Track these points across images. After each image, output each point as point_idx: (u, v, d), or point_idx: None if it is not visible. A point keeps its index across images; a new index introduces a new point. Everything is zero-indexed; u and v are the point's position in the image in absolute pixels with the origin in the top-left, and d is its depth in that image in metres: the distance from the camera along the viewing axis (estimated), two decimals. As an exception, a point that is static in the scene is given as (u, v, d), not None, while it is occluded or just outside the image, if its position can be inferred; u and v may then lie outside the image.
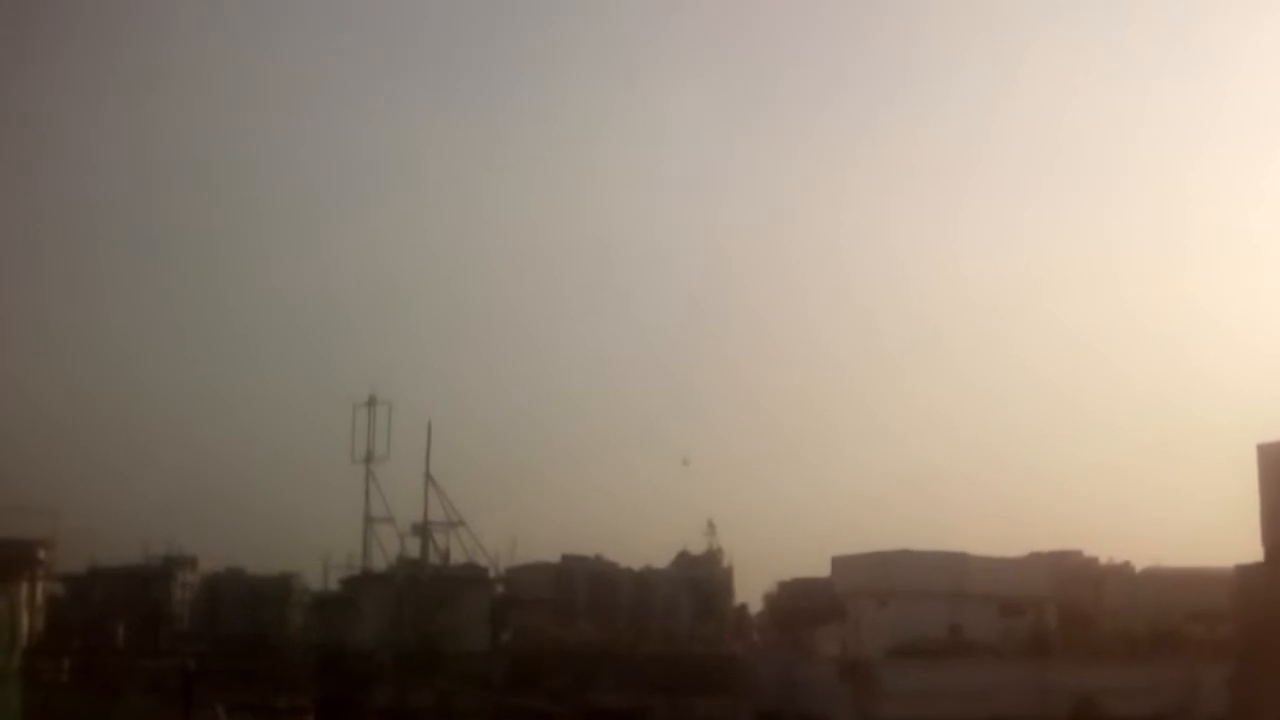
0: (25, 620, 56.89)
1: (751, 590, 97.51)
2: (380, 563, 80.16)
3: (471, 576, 79.67)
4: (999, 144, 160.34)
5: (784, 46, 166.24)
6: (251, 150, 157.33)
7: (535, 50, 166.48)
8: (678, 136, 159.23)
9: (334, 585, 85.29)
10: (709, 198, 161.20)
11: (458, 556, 79.43)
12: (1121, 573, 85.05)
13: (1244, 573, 41.68)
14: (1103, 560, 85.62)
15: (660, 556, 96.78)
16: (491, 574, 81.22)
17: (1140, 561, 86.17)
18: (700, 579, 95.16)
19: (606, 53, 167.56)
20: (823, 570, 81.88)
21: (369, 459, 79.34)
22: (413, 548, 79.23)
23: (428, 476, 78.19)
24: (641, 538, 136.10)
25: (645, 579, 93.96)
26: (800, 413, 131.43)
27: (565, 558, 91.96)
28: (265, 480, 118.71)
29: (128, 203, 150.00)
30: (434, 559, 78.97)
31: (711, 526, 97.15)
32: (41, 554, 79.05)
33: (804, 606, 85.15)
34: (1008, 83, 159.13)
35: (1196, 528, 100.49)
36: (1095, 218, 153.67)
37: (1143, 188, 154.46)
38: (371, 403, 79.95)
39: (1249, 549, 46.40)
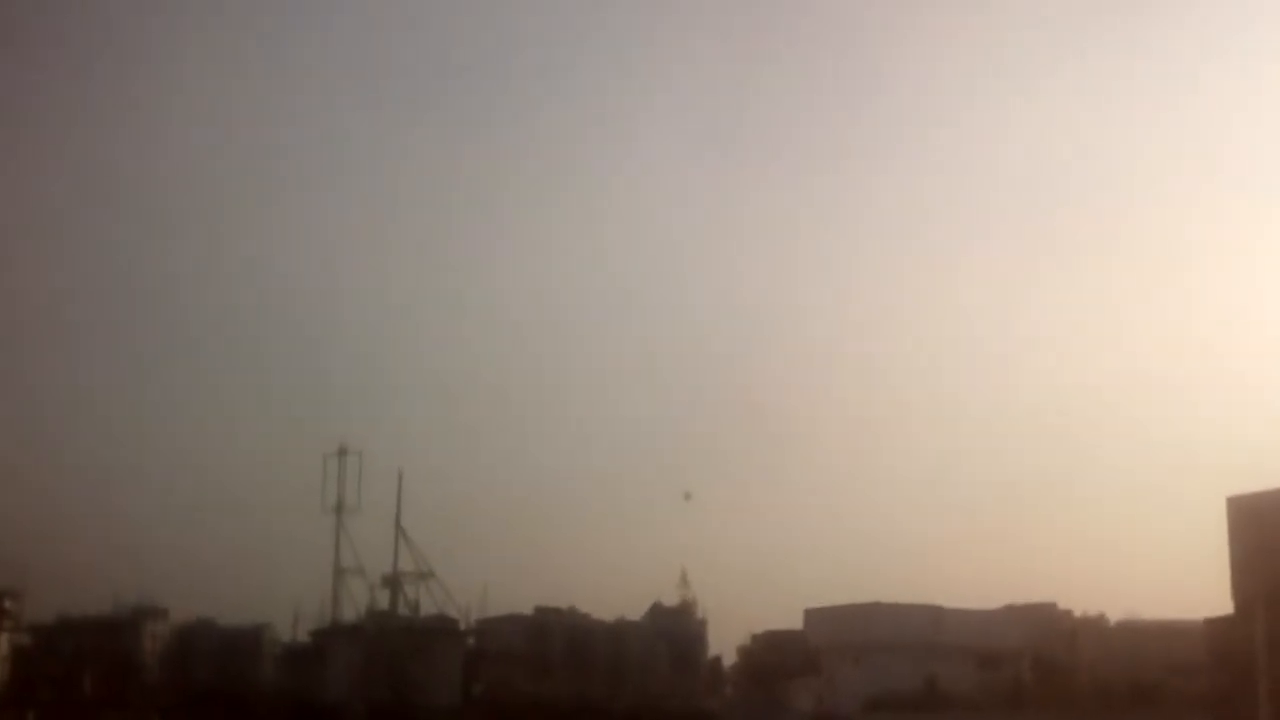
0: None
1: (726, 642, 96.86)
2: (350, 614, 79.66)
3: (442, 628, 79.12)
4: (976, 199, 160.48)
5: (776, 71, 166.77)
6: (228, 187, 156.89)
7: (509, 93, 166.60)
8: (650, 177, 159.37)
9: (304, 636, 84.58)
10: (684, 248, 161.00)
11: (428, 608, 78.96)
12: (1096, 625, 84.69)
13: (1214, 625, 41.42)
14: (1077, 613, 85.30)
15: (634, 609, 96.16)
16: (463, 626, 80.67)
17: (1115, 614, 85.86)
18: (674, 631, 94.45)
19: (581, 82, 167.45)
20: (796, 622, 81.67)
21: (339, 509, 78.92)
22: (383, 599, 78.72)
23: (398, 527, 77.86)
24: (615, 589, 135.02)
25: (619, 631, 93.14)
26: (774, 465, 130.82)
27: (538, 609, 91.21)
28: (236, 530, 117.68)
29: (97, 242, 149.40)
30: (404, 610, 78.43)
31: (685, 578, 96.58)
32: (8, 604, 78.81)
33: (778, 660, 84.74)
34: (1001, 122, 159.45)
35: (1171, 580, 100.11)
36: (1068, 280, 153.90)
37: (1120, 247, 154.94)
38: (342, 452, 79.56)
39: (1222, 601, 46.20)
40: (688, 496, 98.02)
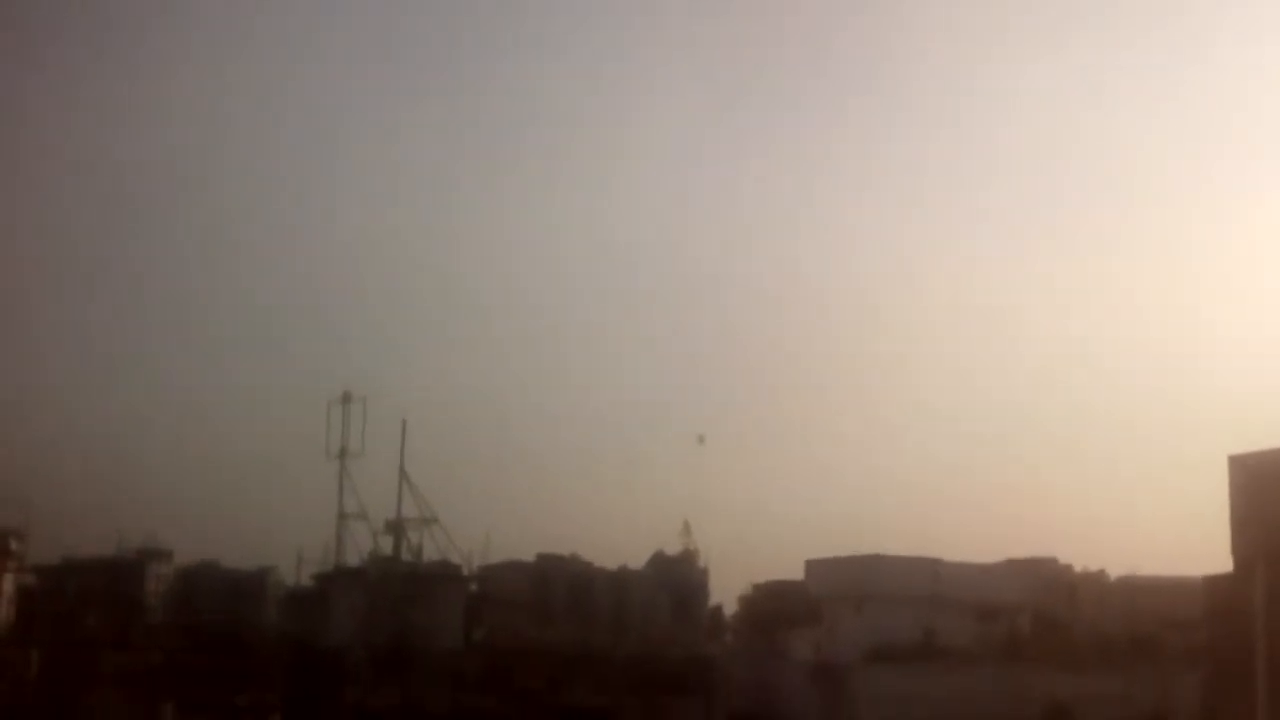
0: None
1: (727, 592, 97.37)
2: (354, 559, 79.98)
3: (445, 574, 79.48)
4: (985, 153, 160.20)
5: (776, 49, 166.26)
6: (229, 146, 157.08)
7: (516, 52, 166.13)
8: (657, 136, 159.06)
9: (307, 580, 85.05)
10: (685, 201, 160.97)
11: (431, 554, 79.26)
12: (1096, 580, 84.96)
13: (1213, 583, 41.54)
14: (1077, 568, 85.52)
15: (636, 557, 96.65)
16: (465, 572, 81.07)
17: (1115, 570, 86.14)
18: (676, 580, 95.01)
19: (584, 55, 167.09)
20: (798, 573, 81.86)
21: (343, 455, 79.12)
22: (386, 545, 79.08)
23: (402, 473, 78.08)
24: (617, 538, 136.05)
25: (621, 579, 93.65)
26: (776, 415, 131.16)
27: (540, 557, 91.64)
28: (240, 474, 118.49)
29: (105, 200, 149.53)
30: (407, 556, 78.74)
31: (687, 527, 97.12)
32: (13, 545, 79.10)
33: (779, 609, 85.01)
34: (1005, 89, 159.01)
35: (1172, 537, 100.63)
36: (1070, 229, 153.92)
37: (1125, 199, 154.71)
38: (346, 399, 79.69)
39: (1222, 558, 46.38)
40: (701, 440, 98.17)
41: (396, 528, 78.41)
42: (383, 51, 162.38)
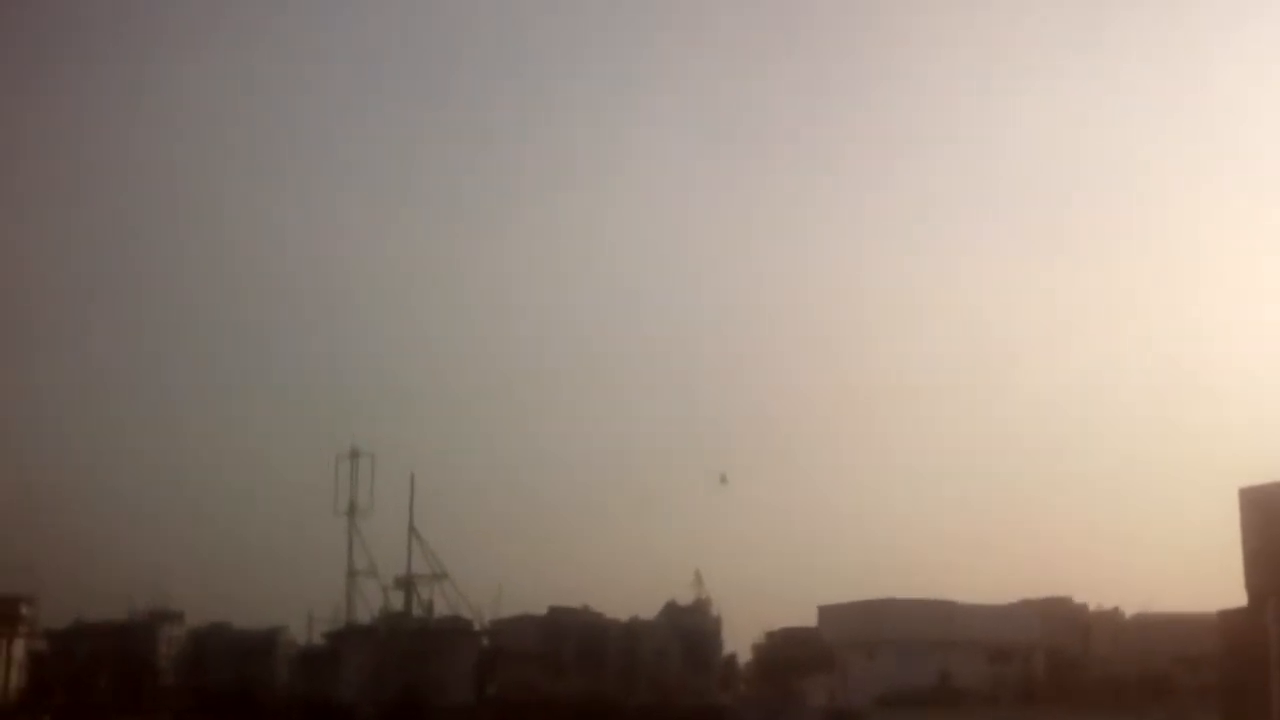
0: (6, 677, 56.60)
1: (740, 640, 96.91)
2: (364, 616, 79.67)
3: (456, 629, 79.16)
4: (993, 181, 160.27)
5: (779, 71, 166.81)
6: (239, 195, 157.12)
7: (520, 92, 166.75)
8: (662, 175, 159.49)
9: (319, 639, 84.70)
10: (691, 245, 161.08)
11: (442, 609, 79.00)
12: (1110, 619, 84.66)
13: (1227, 618, 41.36)
14: (1091, 607, 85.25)
15: (648, 607, 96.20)
16: (476, 626, 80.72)
17: (1129, 608, 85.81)
18: (688, 630, 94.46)
19: (587, 91, 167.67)
20: (810, 620, 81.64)
21: (352, 511, 78.92)
22: (397, 601, 78.77)
23: (411, 529, 77.86)
24: (629, 589, 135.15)
25: (633, 630, 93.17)
26: (786, 463, 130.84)
27: (552, 609, 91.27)
28: (250, 533, 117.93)
29: (108, 245, 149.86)
30: (418, 611, 78.48)
31: (699, 577, 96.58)
32: (24, 610, 79.04)
33: (792, 656, 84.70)
34: (1007, 118, 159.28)
35: (1185, 573, 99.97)
36: (1079, 275, 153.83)
37: (1134, 230, 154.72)
38: (354, 455, 79.60)
39: (1236, 594, 46.18)
40: (724, 479, 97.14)
41: (407, 584, 78.18)
42: (390, 94, 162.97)
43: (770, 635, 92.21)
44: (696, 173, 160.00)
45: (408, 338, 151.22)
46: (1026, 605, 79.61)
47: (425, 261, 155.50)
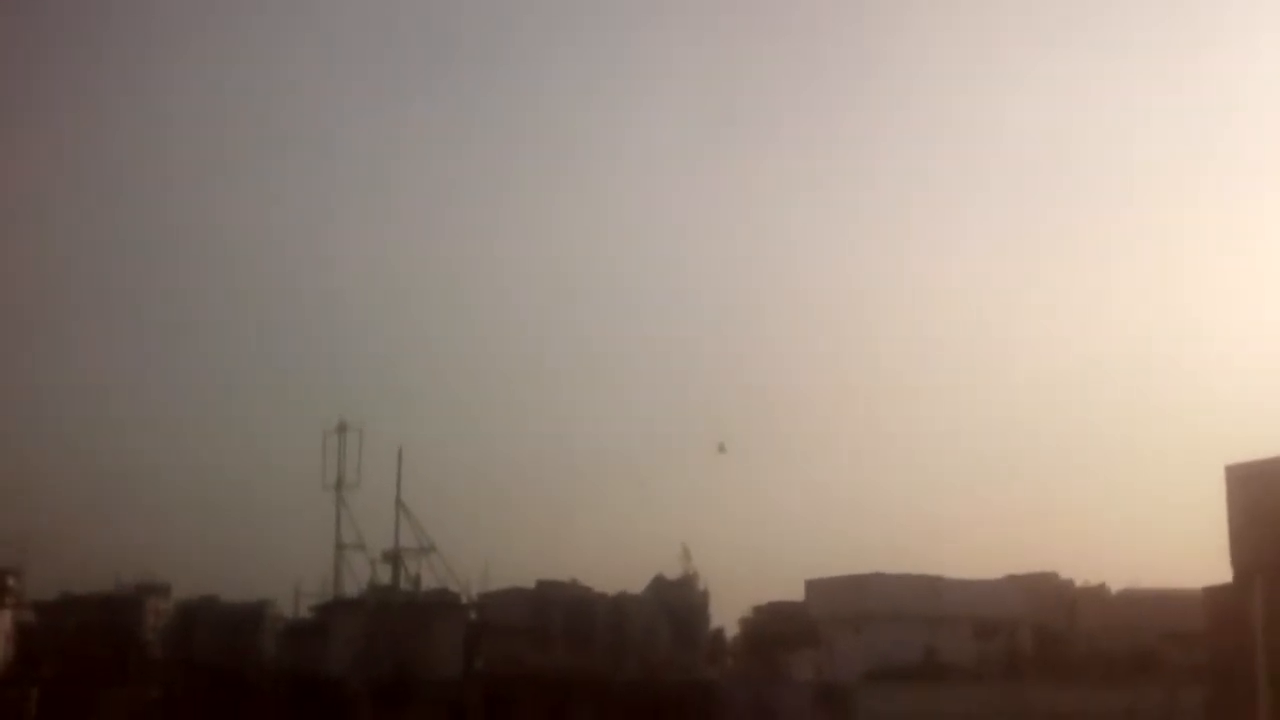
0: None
1: (727, 615, 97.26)
2: (352, 589, 79.74)
3: (444, 603, 79.23)
4: (983, 166, 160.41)
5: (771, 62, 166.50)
6: (224, 173, 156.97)
7: (514, 73, 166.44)
8: (653, 153, 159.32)
9: (306, 612, 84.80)
10: (685, 227, 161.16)
11: (430, 583, 79.06)
12: (1097, 594, 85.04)
13: (1212, 594, 41.50)
14: (1078, 582, 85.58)
15: (635, 582, 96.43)
16: (464, 600, 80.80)
17: (1116, 583, 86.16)
18: (676, 604, 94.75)
19: (580, 72, 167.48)
20: (797, 594, 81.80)
21: (339, 485, 79.00)
22: (384, 574, 78.81)
23: (399, 502, 77.91)
24: (616, 563, 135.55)
25: (621, 605, 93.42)
26: (774, 435, 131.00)
27: (539, 583, 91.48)
28: (237, 506, 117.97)
29: (99, 220, 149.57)
30: (406, 585, 78.52)
31: (686, 551, 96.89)
32: (11, 582, 78.92)
33: (779, 631, 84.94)
34: (997, 102, 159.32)
35: (1173, 548, 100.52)
36: (1067, 242, 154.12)
37: (1120, 215, 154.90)
38: (342, 429, 79.60)
39: (1221, 570, 46.32)
40: (722, 448, 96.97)
41: (394, 557, 78.22)
42: (377, 81, 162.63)
43: (757, 610, 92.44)
44: (688, 160, 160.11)
45: (397, 312, 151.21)
46: (1013, 581, 79.81)
47: (415, 239, 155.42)
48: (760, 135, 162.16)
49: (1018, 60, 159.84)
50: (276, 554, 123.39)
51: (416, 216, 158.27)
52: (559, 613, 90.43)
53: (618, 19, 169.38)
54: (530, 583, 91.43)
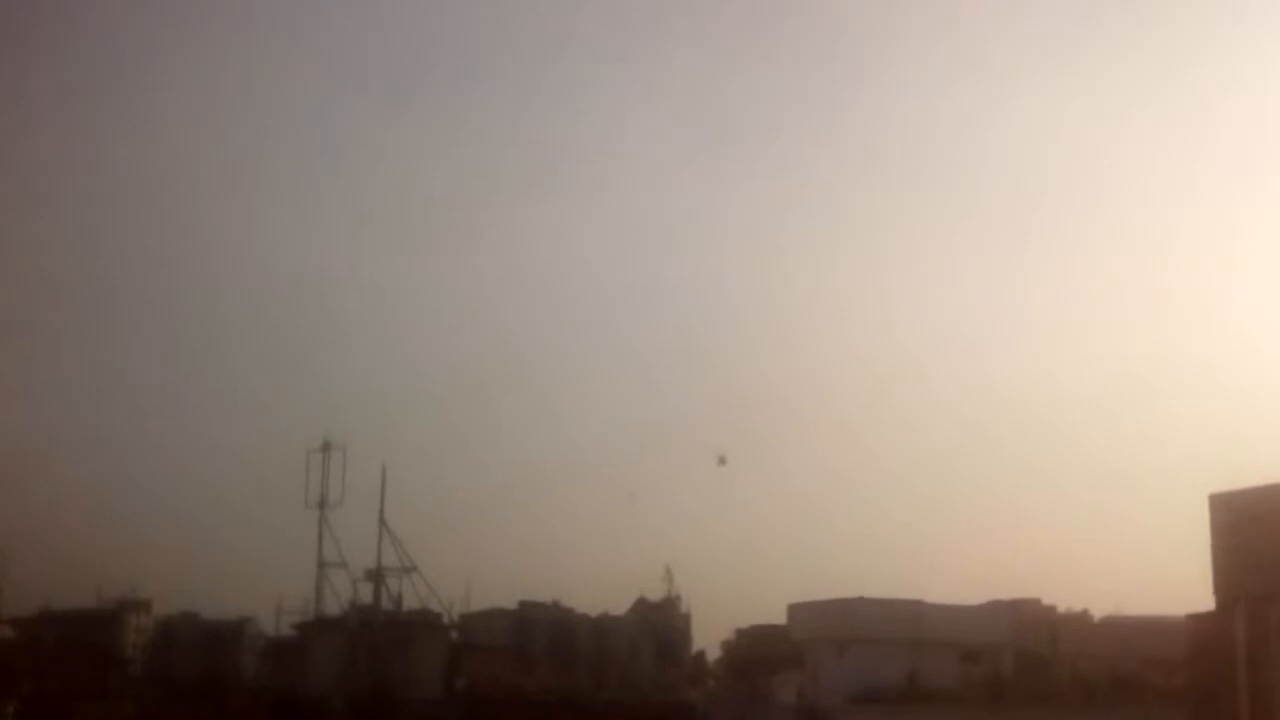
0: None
1: (709, 637, 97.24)
2: (333, 608, 79.50)
3: (425, 622, 79.04)
4: (965, 187, 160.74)
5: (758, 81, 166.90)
6: (210, 184, 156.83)
7: (496, 89, 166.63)
8: (634, 179, 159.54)
9: (287, 630, 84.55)
10: (672, 243, 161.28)
11: (411, 602, 78.86)
12: (1079, 620, 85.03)
13: (1195, 621, 41.37)
14: (1061, 608, 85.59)
15: (618, 603, 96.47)
16: (446, 620, 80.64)
17: (1098, 610, 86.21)
18: (658, 626, 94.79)
19: (568, 76, 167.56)
20: (780, 617, 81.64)
21: (323, 503, 78.81)
22: (366, 593, 78.58)
23: (381, 521, 77.69)
24: (599, 584, 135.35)
25: (603, 626, 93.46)
26: (757, 458, 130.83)
27: (522, 603, 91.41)
28: (220, 524, 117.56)
29: (82, 237, 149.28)
30: (387, 604, 78.31)
31: (669, 573, 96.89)
32: (-11, 597, 78.66)
33: (762, 654, 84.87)
34: (983, 129, 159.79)
35: (1155, 576, 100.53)
36: (1051, 271, 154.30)
37: (1103, 244, 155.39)
38: (326, 447, 79.44)
39: (1204, 598, 46.22)
40: (722, 461, 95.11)
41: (376, 576, 78.00)
42: (362, 99, 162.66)
43: (740, 632, 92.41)
44: (671, 171, 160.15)
45: (382, 331, 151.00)
46: (996, 606, 79.74)
47: (399, 255, 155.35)
48: (756, 148, 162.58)
49: (1001, 86, 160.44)
50: (258, 571, 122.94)
51: (401, 234, 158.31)
52: (541, 633, 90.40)
53: (608, 33, 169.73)
54: (512, 603, 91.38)
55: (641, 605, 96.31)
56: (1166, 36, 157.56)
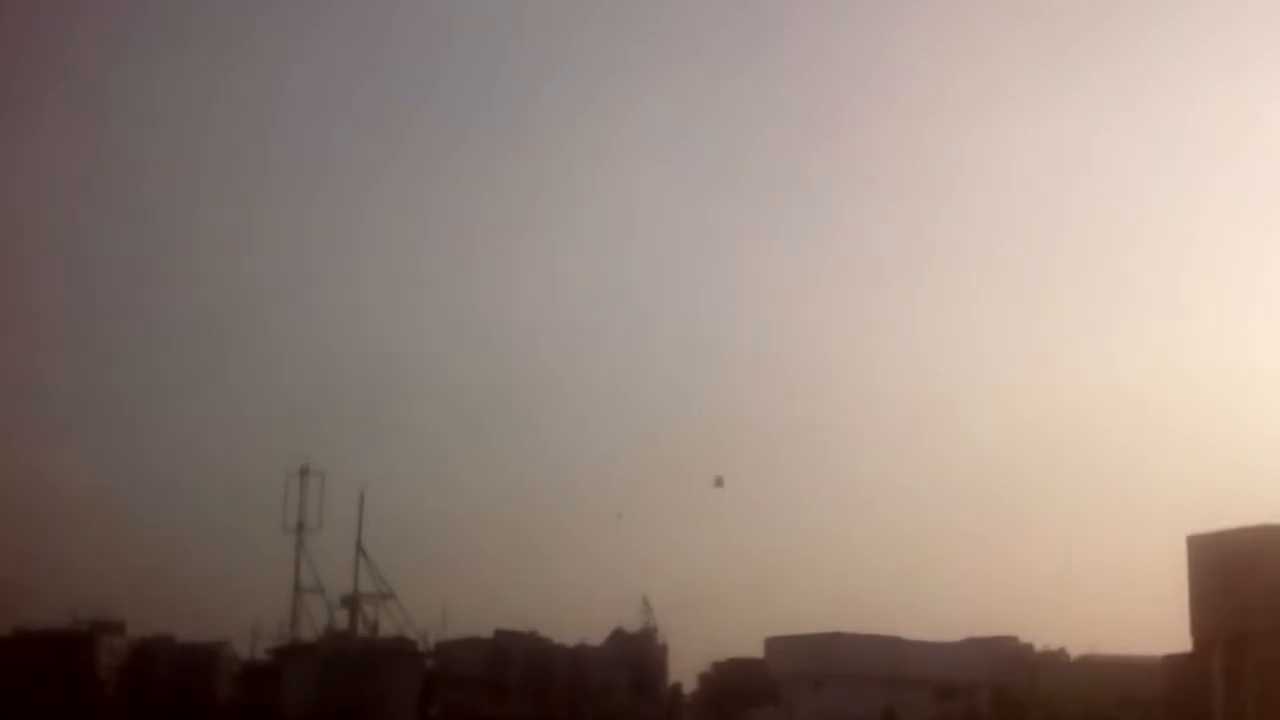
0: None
1: (687, 669, 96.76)
2: (309, 633, 79.26)
3: (401, 650, 78.78)
4: (951, 229, 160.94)
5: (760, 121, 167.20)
6: (197, 206, 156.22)
7: (488, 108, 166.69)
8: (626, 202, 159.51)
9: (262, 655, 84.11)
10: (663, 281, 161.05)
11: (387, 629, 78.66)
12: (1056, 659, 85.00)
13: (1172, 662, 41.55)
14: (1038, 646, 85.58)
15: (595, 634, 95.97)
16: (421, 648, 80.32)
17: (1075, 648, 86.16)
18: (635, 657, 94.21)
19: (562, 97, 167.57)
20: (758, 651, 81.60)
21: (300, 529, 78.62)
22: (342, 619, 78.37)
23: (359, 547, 77.56)
24: (576, 614, 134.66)
25: (580, 656, 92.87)
26: (736, 493, 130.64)
27: (498, 633, 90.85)
28: (197, 547, 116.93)
29: (68, 255, 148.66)
30: (363, 631, 78.08)
31: (647, 604, 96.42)
32: (-41, 618, 78.14)
33: (738, 688, 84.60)
34: (984, 141, 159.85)
35: (1133, 616, 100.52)
36: (1033, 318, 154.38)
37: (1088, 282, 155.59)
38: (304, 473, 79.29)
39: (1181, 639, 46.38)
40: (719, 483, 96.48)
41: (353, 603, 77.80)
42: (348, 126, 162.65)
43: (717, 665, 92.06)
44: (665, 192, 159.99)
45: (362, 355, 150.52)
46: (973, 644, 79.77)
47: (382, 279, 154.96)
48: (754, 167, 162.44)
49: (1000, 120, 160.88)
50: (234, 595, 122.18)
51: (384, 259, 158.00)
52: (517, 663, 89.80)
53: (598, 61, 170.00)
54: (488, 632, 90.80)
55: (619, 636, 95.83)
56: (1179, 53, 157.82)
